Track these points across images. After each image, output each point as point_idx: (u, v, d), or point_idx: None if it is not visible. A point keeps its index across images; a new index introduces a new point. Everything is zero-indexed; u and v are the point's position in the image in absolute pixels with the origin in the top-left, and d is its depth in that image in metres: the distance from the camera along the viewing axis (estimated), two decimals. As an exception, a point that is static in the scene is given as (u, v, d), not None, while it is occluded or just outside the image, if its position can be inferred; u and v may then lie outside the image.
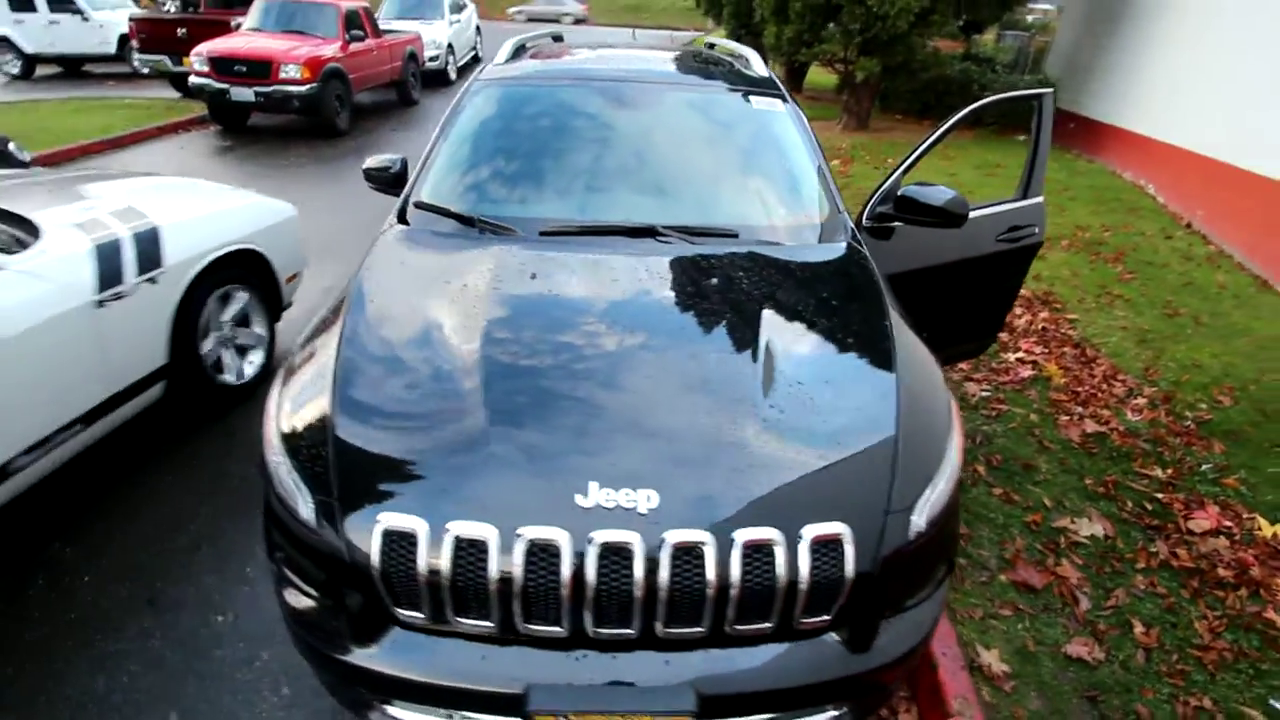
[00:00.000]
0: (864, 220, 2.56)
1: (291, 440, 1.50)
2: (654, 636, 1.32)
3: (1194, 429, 3.33)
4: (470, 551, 1.28)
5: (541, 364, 1.62)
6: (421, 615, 1.33)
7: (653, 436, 1.44)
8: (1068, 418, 3.37)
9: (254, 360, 3.33)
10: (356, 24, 9.56)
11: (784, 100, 2.69)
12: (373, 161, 2.55)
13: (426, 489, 1.37)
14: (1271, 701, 2.01)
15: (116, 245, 2.50)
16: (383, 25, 10.85)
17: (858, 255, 2.17)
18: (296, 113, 8.47)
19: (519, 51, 3.11)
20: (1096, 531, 2.62)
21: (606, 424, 1.48)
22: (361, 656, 1.36)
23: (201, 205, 3.08)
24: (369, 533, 1.31)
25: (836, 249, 2.19)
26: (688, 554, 1.28)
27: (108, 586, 2.24)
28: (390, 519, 1.31)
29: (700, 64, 3.01)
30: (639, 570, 1.27)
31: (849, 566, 1.32)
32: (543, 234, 2.12)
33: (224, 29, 9.47)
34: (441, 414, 1.48)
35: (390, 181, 2.52)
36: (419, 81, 11.49)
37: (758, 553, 1.29)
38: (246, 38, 8.77)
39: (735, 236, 2.16)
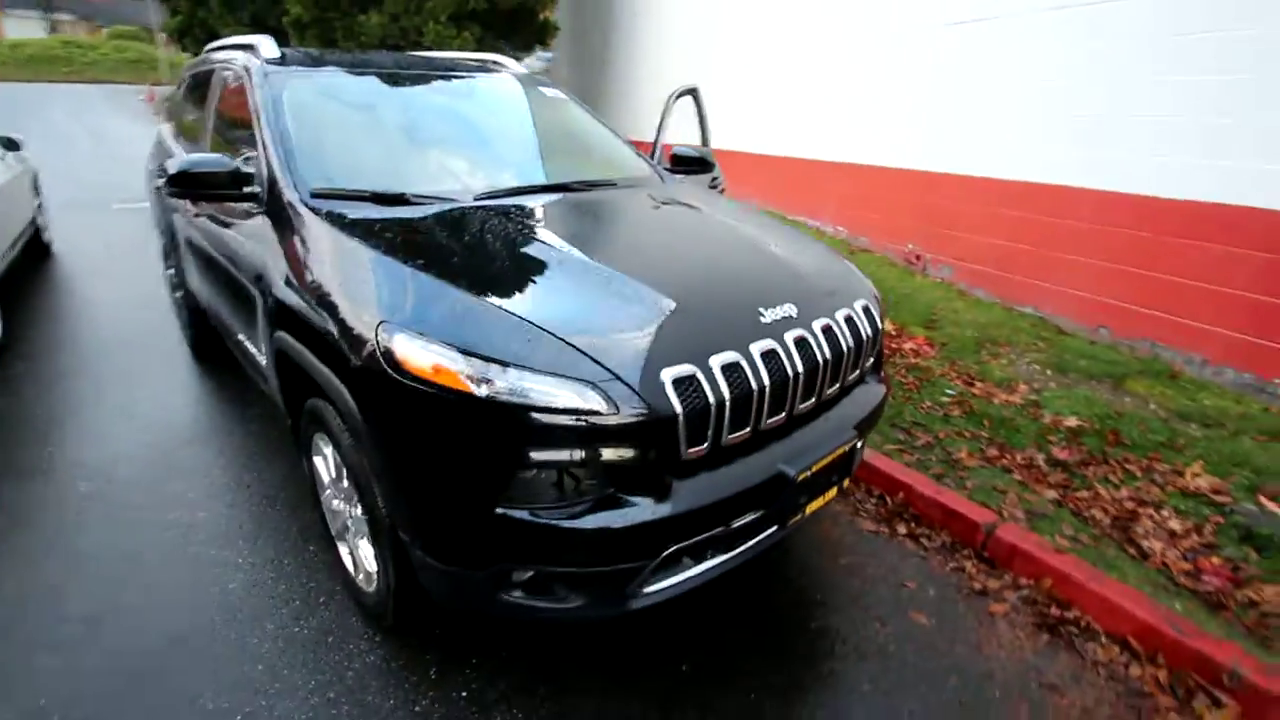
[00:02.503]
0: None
1: None
2: (818, 406, 1.88)
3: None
4: (729, 373, 1.60)
5: (632, 258, 1.99)
6: (704, 446, 1.58)
7: (747, 279, 1.99)
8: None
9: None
10: None
11: (561, 90, 3.26)
12: (189, 163, 2.10)
13: (670, 346, 1.59)
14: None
15: None
16: None
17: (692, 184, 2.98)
18: None
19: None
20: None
21: (718, 281, 1.95)
22: (663, 509, 1.52)
23: None
24: (663, 388, 1.51)
25: (679, 182, 2.97)
26: (828, 333, 1.86)
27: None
28: (670, 372, 1.53)
29: (474, 64, 3.25)
30: (816, 349, 1.80)
31: (878, 324, 2.11)
32: (477, 198, 2.23)
33: None
34: (631, 310, 1.69)
35: (224, 184, 2.15)
36: None
37: (848, 323, 1.96)
38: None
39: (614, 185, 2.67)
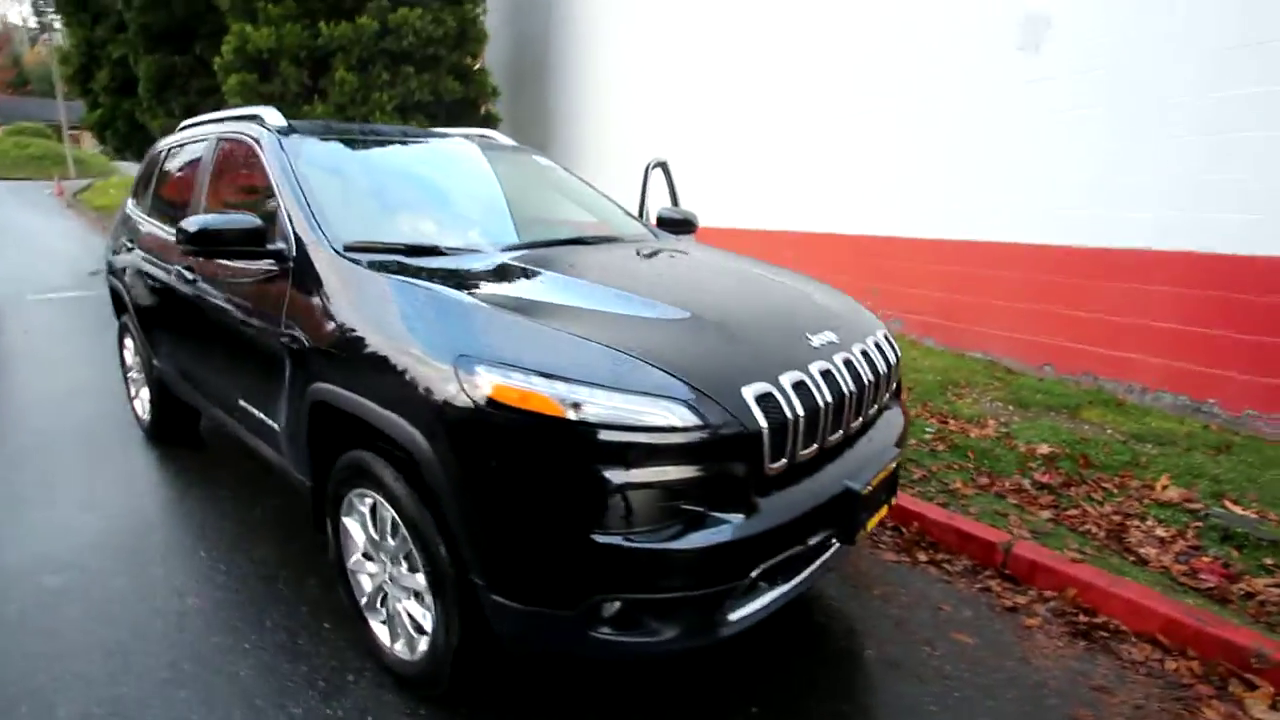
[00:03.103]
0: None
1: None
2: (863, 426, 2.00)
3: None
4: (798, 391, 1.68)
5: (675, 293, 2.05)
6: (784, 462, 1.64)
7: (785, 309, 2.15)
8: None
9: None
10: None
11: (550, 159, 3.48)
12: (208, 222, 2.09)
13: (744, 367, 1.66)
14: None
15: None
16: None
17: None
18: None
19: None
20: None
21: (762, 311, 2.08)
22: (753, 526, 1.55)
23: None
24: (746, 404, 1.57)
25: (673, 239, 3.07)
26: (865, 357, 2.00)
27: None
28: (750, 389, 1.59)
29: (469, 135, 3.31)
30: (861, 370, 1.93)
31: (897, 353, 2.23)
32: (504, 250, 2.31)
33: None
34: (697, 337, 1.77)
35: (244, 241, 2.13)
36: None
37: (877, 349, 2.10)
38: None
39: (621, 240, 2.81)
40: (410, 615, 1.88)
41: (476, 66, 10.37)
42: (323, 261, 2.06)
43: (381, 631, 2.01)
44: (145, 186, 3.60)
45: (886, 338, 2.22)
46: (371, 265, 1.99)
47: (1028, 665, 2.11)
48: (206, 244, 2.10)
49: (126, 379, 3.96)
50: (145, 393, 3.68)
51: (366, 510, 1.93)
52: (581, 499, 1.47)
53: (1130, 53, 4.00)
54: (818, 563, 1.81)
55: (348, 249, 2.08)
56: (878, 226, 5.63)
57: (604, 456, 1.46)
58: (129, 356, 3.83)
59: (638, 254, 2.55)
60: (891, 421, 2.17)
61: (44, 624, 2.23)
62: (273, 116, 2.68)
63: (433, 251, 2.19)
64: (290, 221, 2.20)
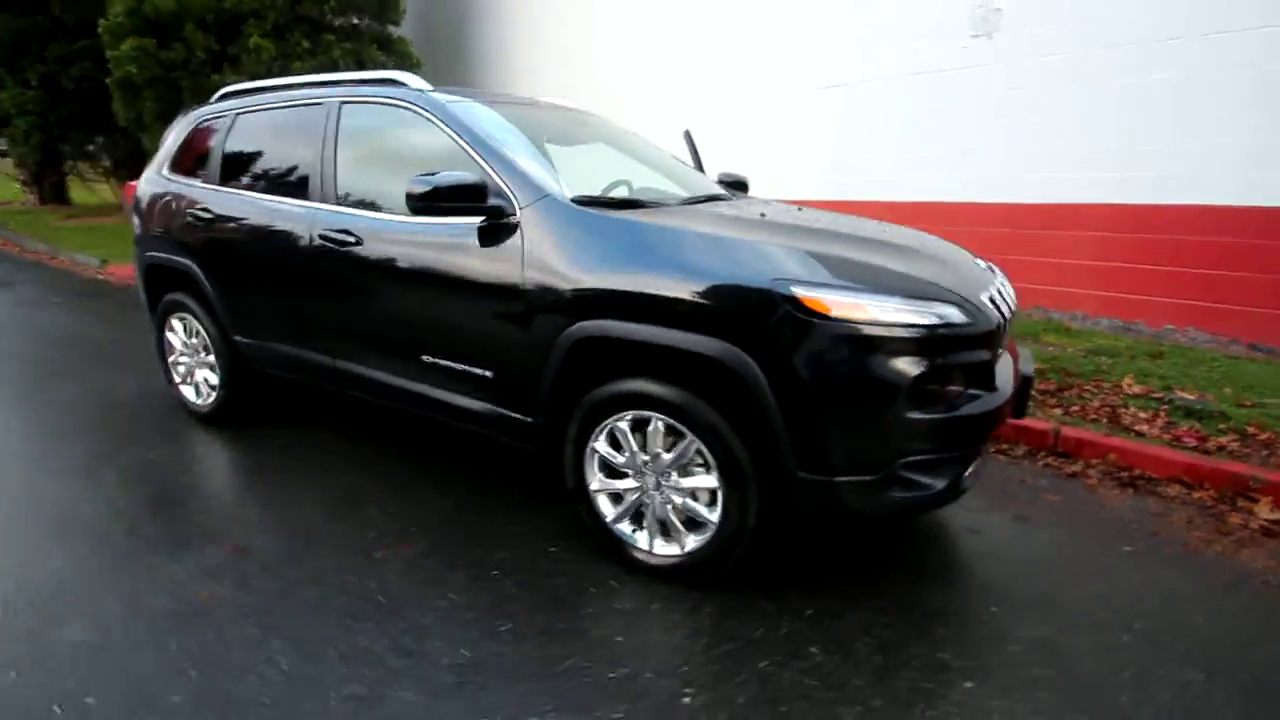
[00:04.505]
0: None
1: None
2: None
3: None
4: (994, 300, 2.19)
5: (849, 233, 2.39)
6: (1001, 352, 2.19)
7: (945, 245, 2.60)
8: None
9: None
10: None
11: None
12: (440, 181, 2.20)
13: (964, 282, 2.15)
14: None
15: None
16: None
17: None
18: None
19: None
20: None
21: (932, 247, 2.44)
22: (996, 399, 2.07)
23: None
24: (986, 306, 2.08)
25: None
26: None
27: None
28: (983, 295, 2.12)
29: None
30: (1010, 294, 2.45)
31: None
32: (683, 204, 2.75)
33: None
34: (919, 263, 2.18)
35: (465, 197, 2.25)
36: None
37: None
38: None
39: (725, 198, 3.08)
40: (683, 514, 2.18)
41: (397, 35, 9.96)
42: (564, 214, 2.26)
43: (639, 538, 2.29)
44: (199, 158, 3.41)
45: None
46: (622, 213, 2.25)
47: (1104, 508, 2.80)
48: (438, 201, 2.23)
49: (168, 364, 3.73)
50: (206, 375, 3.53)
51: (627, 431, 2.20)
52: (892, 385, 1.88)
53: (1075, 50, 4.89)
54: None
55: (579, 202, 2.30)
56: (845, 191, 6.33)
57: (908, 350, 1.88)
58: (177, 339, 3.62)
59: (766, 209, 2.91)
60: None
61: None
62: (418, 81, 2.74)
63: (635, 205, 2.45)
64: (502, 179, 2.36)
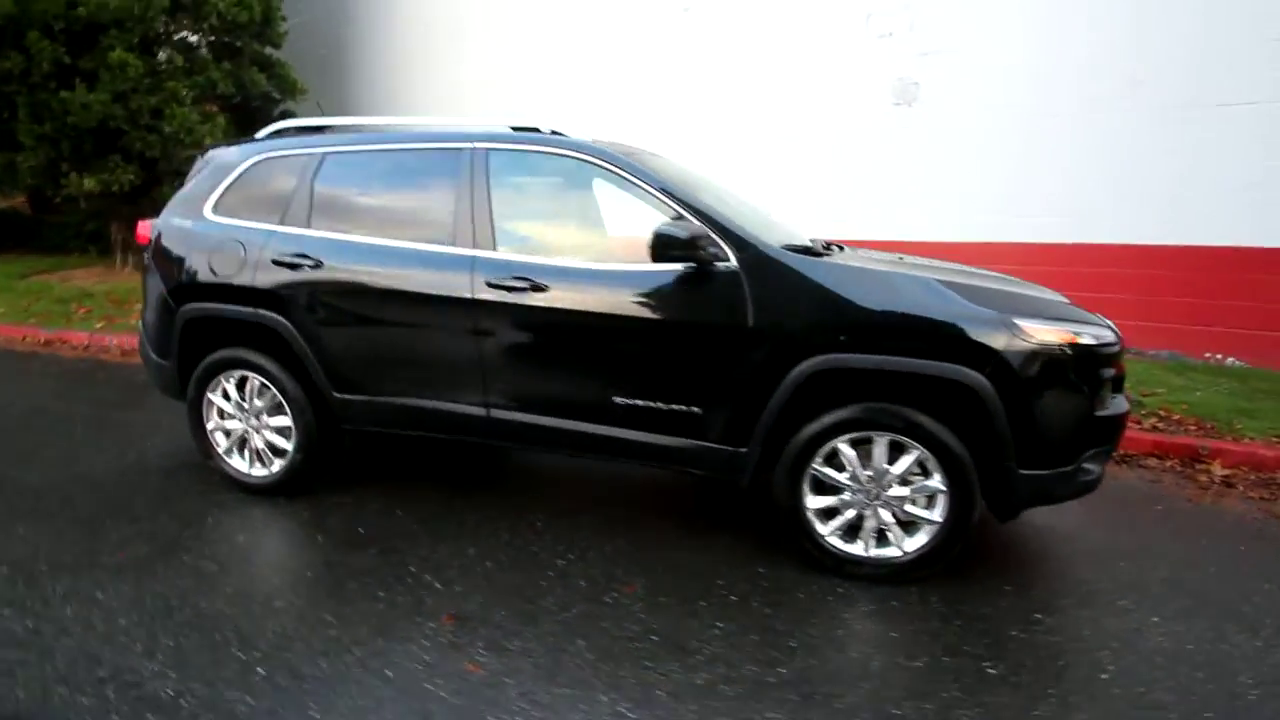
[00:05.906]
0: None
1: None
2: None
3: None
4: None
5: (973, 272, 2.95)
6: None
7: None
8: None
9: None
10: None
11: None
12: (695, 230, 2.47)
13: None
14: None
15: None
16: None
17: None
18: None
19: None
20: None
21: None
22: (1124, 404, 2.66)
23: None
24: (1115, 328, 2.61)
25: None
26: None
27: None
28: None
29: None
30: None
31: None
32: (821, 252, 3.00)
33: None
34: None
35: (689, 246, 2.46)
36: None
37: None
38: None
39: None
40: (904, 520, 2.51)
41: (276, 58, 9.18)
42: (784, 261, 2.53)
43: (854, 548, 2.57)
44: (270, 200, 3.07)
45: None
46: (829, 261, 2.58)
47: (1117, 480, 3.60)
48: (676, 249, 2.42)
49: (207, 434, 3.24)
50: (270, 439, 3.15)
51: (846, 450, 2.49)
52: (1090, 391, 2.41)
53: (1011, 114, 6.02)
54: None
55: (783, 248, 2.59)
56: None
57: (1097, 363, 2.43)
58: (227, 403, 3.17)
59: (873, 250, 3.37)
60: None
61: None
62: (577, 132, 2.82)
63: (810, 250, 2.76)
64: (712, 228, 2.55)
